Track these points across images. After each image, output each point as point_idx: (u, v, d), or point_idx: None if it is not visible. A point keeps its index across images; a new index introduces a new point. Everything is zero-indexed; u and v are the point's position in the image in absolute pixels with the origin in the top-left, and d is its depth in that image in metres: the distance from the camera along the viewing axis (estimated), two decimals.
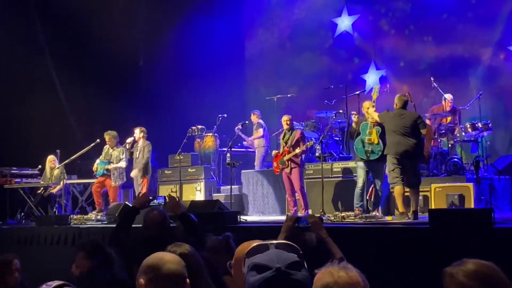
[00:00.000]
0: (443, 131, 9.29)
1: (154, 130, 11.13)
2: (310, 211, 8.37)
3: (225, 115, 11.42)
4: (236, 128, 11.18)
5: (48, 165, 10.73)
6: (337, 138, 10.37)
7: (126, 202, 9.42)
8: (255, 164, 11.12)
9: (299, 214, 7.39)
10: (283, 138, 9.01)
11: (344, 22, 13.05)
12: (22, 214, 10.47)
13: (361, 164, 7.79)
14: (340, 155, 9.97)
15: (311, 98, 12.60)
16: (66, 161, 10.22)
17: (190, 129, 11.11)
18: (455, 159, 8.82)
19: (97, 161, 10.10)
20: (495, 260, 2.20)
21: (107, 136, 10.07)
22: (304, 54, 13.40)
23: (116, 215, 8.17)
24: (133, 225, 4.40)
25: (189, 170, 10.79)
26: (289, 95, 11.97)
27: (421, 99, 11.09)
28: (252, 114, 11.49)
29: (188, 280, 2.19)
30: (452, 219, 5.40)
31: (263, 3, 14.43)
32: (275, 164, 9.03)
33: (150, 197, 4.82)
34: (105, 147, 10.16)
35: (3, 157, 11.11)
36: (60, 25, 12.40)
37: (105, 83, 12.39)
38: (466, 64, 11.24)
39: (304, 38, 13.49)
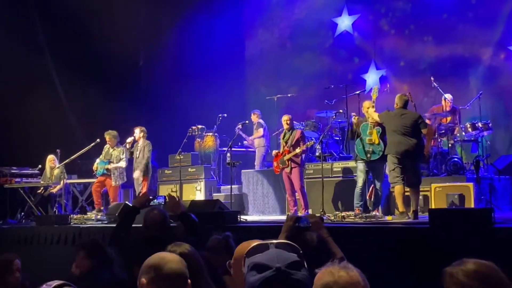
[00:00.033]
0: (443, 131, 9.29)
1: (154, 130, 11.13)
2: (310, 211, 8.37)
3: (225, 114, 11.43)
4: (237, 128, 11.18)
5: (48, 165, 10.73)
6: (337, 138, 10.37)
7: (126, 202, 9.42)
8: (255, 163, 11.12)
9: (299, 214, 7.38)
10: (283, 138, 9.02)
11: (344, 22, 13.05)
12: (22, 213, 10.48)
13: (361, 164, 7.79)
14: (340, 154, 9.97)
15: (311, 97, 12.61)
16: (66, 160, 10.22)
17: (190, 129, 11.11)
18: (455, 159, 8.82)
19: (97, 160, 10.11)
20: (495, 260, 2.20)
21: (108, 135, 10.07)
22: (304, 54, 13.40)
23: (116, 214, 8.17)
24: (133, 225, 4.40)
25: (189, 169, 10.79)
26: (289, 95, 11.97)
27: (421, 99, 11.08)
28: (252, 114, 11.49)
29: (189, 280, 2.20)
30: (452, 219, 5.39)
31: (263, 3, 14.43)
32: (275, 163, 9.03)
33: (150, 197, 4.82)
34: (105, 146, 10.16)
35: (3, 157, 11.11)
36: (60, 25, 12.40)
37: (105, 83, 12.39)
38: (466, 64, 11.24)
39: (304, 38, 13.49)
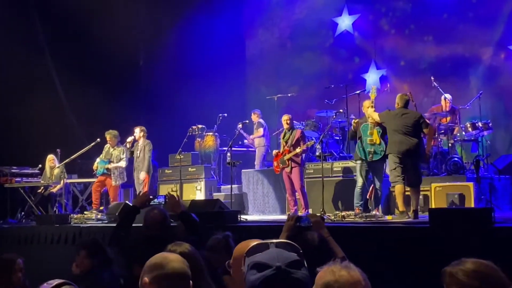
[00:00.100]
0: (443, 131, 9.29)
1: (154, 130, 11.13)
2: (310, 211, 8.37)
3: (226, 114, 11.44)
4: (238, 127, 11.18)
5: (48, 165, 10.74)
6: (338, 138, 10.37)
7: (127, 201, 9.42)
8: (256, 163, 11.12)
9: (300, 214, 7.39)
10: (283, 138, 9.02)
11: (345, 22, 13.05)
12: (23, 213, 10.48)
13: (361, 163, 7.79)
14: (341, 154, 9.97)
15: (312, 97, 12.61)
16: (66, 160, 10.23)
17: (190, 129, 11.12)
18: (455, 159, 8.82)
19: (98, 160, 10.11)
20: (495, 260, 2.21)
21: (108, 135, 10.08)
22: (304, 54, 13.40)
23: (117, 214, 8.17)
24: (133, 224, 4.41)
25: (190, 169, 10.79)
26: (289, 95, 11.97)
27: (421, 98, 11.08)
28: (252, 114, 11.49)
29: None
30: (452, 219, 5.39)
31: (263, 3, 14.43)
32: (275, 163, 9.03)
33: (151, 196, 4.82)
34: (105, 146, 10.17)
35: (3, 156, 11.11)
36: (60, 25, 12.40)
37: (105, 83, 12.38)
38: (467, 63, 11.25)
39: (304, 37, 13.49)
